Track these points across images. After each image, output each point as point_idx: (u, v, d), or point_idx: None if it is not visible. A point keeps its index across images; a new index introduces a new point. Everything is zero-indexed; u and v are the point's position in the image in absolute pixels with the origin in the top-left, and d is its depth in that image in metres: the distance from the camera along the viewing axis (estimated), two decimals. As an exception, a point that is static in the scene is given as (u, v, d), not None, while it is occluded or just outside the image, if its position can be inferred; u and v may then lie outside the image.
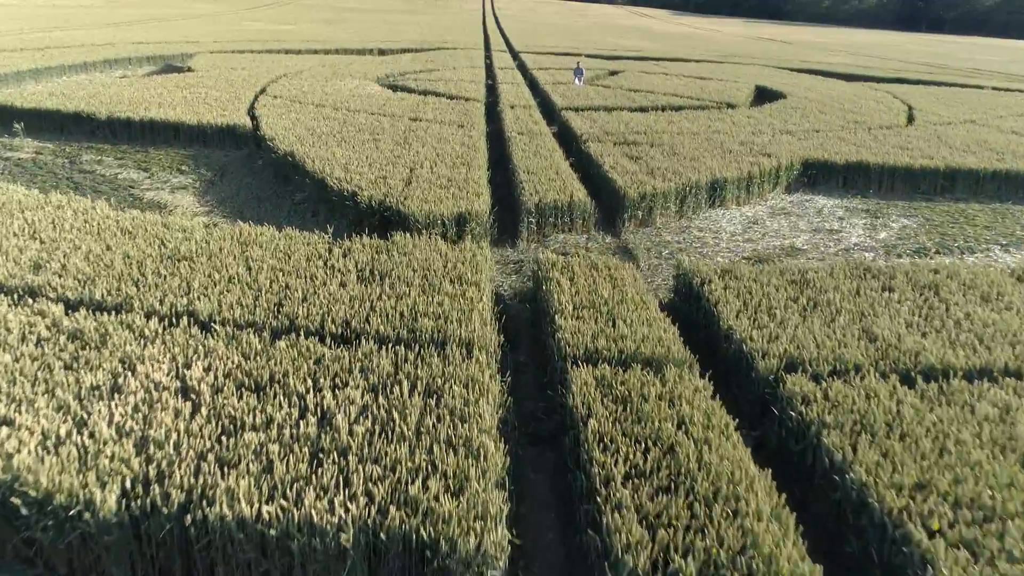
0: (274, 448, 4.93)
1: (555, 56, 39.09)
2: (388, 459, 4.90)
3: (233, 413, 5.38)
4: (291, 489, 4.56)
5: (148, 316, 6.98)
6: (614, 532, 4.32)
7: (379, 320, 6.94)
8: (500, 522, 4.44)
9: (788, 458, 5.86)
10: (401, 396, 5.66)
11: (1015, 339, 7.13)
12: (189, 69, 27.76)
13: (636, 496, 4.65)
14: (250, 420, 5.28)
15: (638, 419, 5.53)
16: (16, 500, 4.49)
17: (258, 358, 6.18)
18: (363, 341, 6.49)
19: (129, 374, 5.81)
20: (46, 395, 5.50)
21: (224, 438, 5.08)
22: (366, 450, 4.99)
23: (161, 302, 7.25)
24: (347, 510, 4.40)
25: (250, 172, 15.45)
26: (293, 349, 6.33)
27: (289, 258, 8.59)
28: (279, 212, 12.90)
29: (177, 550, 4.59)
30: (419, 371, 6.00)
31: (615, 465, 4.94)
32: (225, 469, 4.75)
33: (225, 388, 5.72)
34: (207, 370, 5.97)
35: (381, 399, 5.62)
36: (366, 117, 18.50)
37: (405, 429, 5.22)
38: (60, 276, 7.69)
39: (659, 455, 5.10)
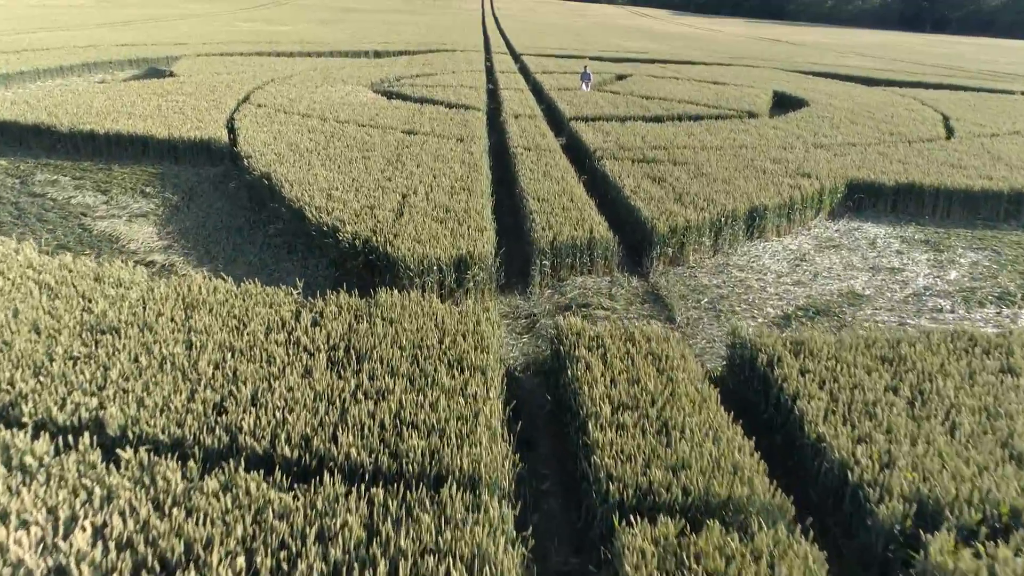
0: None
1: (558, 59, 37.17)
2: None
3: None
4: None
5: (38, 430, 5.10)
6: None
7: (351, 437, 5.05)
8: None
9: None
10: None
11: None
12: (171, 74, 25.85)
13: None
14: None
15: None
16: None
17: (175, 511, 4.30)
18: (326, 478, 4.60)
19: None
20: None
21: None
22: None
23: (62, 405, 5.37)
24: None
25: (223, 195, 13.54)
26: (226, 495, 4.44)
27: (244, 328, 6.70)
28: (250, 247, 11.00)
29: None
30: (403, 539, 4.11)
31: None
32: None
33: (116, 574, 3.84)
34: (95, 537, 4.09)
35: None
36: (356, 130, 16.59)
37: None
38: (-67, 364, 5.81)
39: None
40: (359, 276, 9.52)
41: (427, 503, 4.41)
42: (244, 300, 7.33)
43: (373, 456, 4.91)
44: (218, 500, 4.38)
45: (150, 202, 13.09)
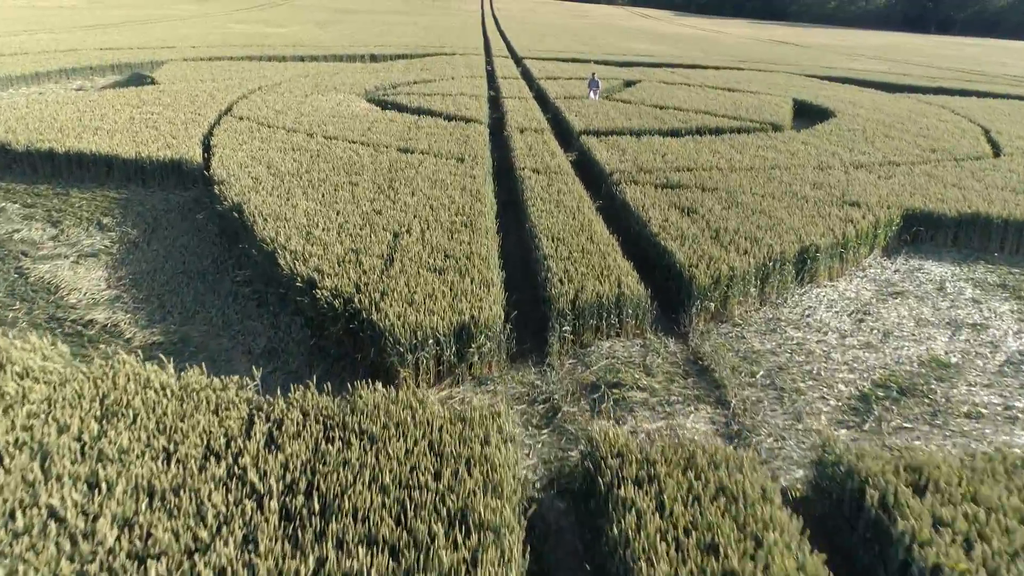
0: None
1: (562, 63, 35.40)
2: None
3: None
4: None
5: None
6: None
7: None
8: None
9: None
10: None
11: None
12: (152, 81, 24.04)
13: None
14: None
15: None
16: None
17: None
18: None
19: None
20: None
21: None
22: None
23: None
24: None
25: (191, 227, 11.76)
26: None
27: (175, 452, 4.94)
28: (213, 297, 9.23)
29: None
30: None
31: None
32: None
33: None
34: None
35: None
36: (345, 148, 14.81)
37: None
38: None
39: None
40: (339, 343, 7.77)
41: None
42: (183, 401, 5.57)
43: None
44: None
45: (106, 236, 11.31)
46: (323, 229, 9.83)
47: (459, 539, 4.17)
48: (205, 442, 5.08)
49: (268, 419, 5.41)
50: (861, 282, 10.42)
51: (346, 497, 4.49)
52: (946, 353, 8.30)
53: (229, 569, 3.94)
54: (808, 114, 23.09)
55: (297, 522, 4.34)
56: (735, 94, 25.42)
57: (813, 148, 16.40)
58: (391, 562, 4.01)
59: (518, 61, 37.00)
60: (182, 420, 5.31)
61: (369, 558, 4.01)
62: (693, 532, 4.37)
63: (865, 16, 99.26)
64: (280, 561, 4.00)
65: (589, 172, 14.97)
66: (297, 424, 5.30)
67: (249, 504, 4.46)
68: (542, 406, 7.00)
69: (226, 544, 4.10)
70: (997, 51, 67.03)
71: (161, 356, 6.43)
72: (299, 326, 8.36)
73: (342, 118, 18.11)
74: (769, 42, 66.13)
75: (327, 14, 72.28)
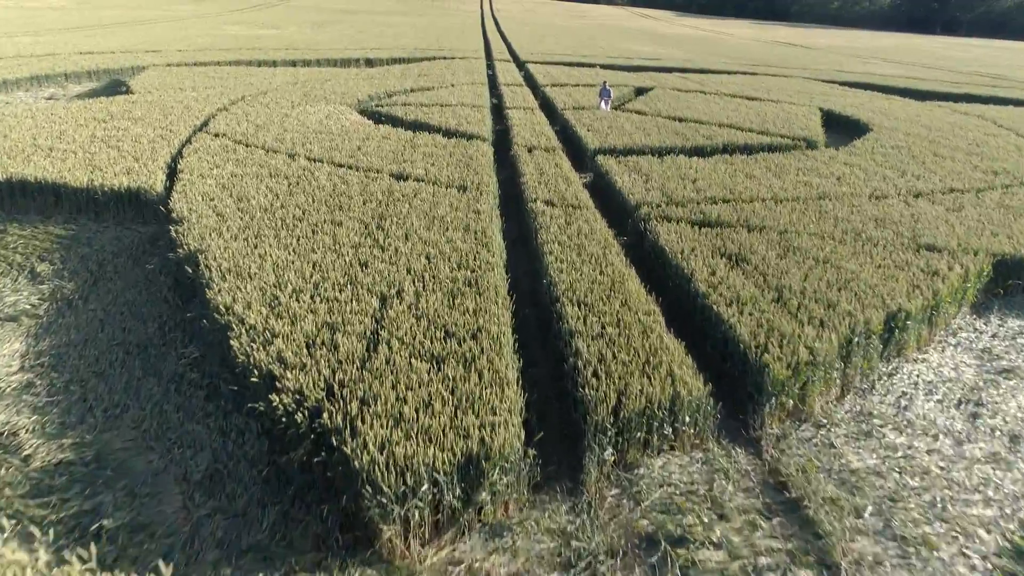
0: None
1: (567, 67, 33.35)
2: None
3: None
4: None
5: None
6: None
7: None
8: None
9: None
10: None
11: None
12: (128, 90, 21.96)
13: None
14: None
15: None
16: None
17: None
18: None
19: None
20: None
21: None
22: None
23: None
24: None
25: (140, 278, 9.73)
26: None
27: None
28: (153, 383, 7.20)
29: None
30: None
31: None
32: None
33: None
34: None
35: None
36: (330, 173, 12.77)
37: None
38: None
39: None
40: (305, 467, 5.73)
41: None
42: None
43: None
44: None
45: (36, 291, 9.27)
46: (294, 291, 7.81)
47: None
48: None
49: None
50: (956, 353, 8.40)
51: None
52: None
53: None
54: (838, 126, 21.08)
55: None
56: (756, 103, 23.37)
57: (859, 171, 14.38)
58: None
59: (520, 65, 34.95)
60: None
61: None
62: None
63: (869, 17, 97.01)
64: None
65: (609, 201, 12.96)
66: None
67: None
68: (584, 571, 4.97)
69: None
70: (1008, 53, 65.01)
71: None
72: (255, 434, 6.33)
73: (330, 135, 16.06)
74: (774, 44, 64.09)
75: (324, 15, 70.12)
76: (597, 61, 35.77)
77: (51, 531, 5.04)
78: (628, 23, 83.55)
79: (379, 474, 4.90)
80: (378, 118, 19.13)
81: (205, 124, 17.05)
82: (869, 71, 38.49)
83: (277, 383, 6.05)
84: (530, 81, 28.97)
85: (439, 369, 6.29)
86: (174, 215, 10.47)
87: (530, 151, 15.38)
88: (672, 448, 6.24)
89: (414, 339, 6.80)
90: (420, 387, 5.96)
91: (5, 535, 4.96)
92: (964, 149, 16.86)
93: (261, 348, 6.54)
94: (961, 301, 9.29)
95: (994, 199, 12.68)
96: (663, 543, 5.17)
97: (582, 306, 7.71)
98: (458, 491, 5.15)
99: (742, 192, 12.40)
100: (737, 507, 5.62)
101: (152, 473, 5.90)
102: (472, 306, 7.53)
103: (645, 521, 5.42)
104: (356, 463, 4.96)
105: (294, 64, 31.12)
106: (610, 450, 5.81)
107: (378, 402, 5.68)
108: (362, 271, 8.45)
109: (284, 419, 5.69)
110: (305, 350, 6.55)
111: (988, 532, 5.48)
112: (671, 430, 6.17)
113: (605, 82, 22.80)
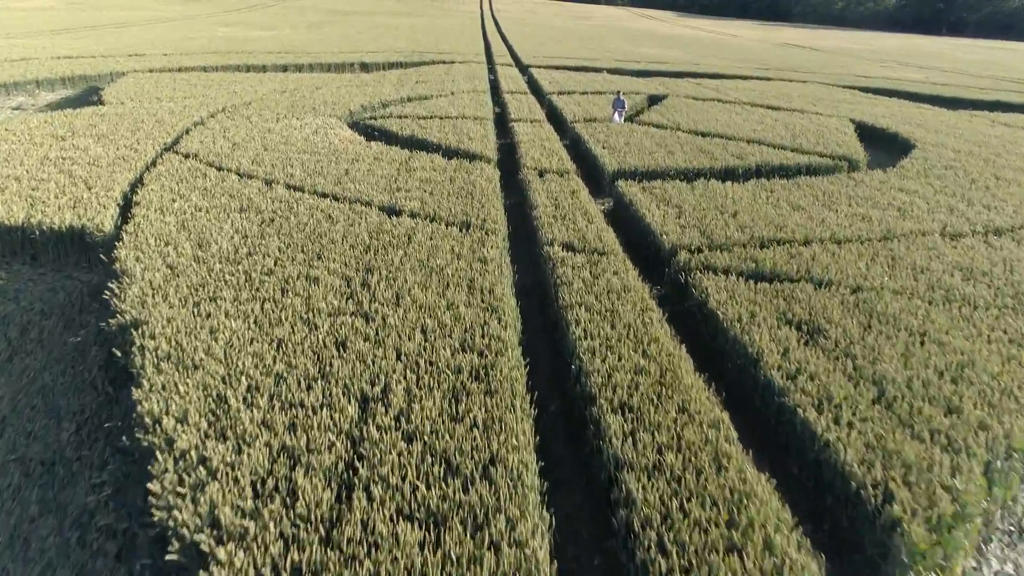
0: None
1: (572, 72, 31.39)
2: None
3: None
4: None
5: None
6: None
7: None
8: None
9: None
10: None
11: None
12: (99, 100, 20.00)
13: None
14: None
15: None
16: None
17: None
18: None
19: None
20: None
21: None
22: None
23: None
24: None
25: (67, 353, 7.79)
26: None
27: None
28: (51, 521, 5.28)
29: None
30: None
31: None
32: None
33: None
34: None
35: None
36: (312, 206, 10.85)
37: None
38: None
39: None
40: None
41: None
42: None
43: None
44: None
45: (-67, 370, 7.33)
46: (248, 389, 5.88)
47: None
48: None
49: None
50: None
51: None
52: None
53: None
54: (873, 139, 19.14)
55: None
56: (781, 113, 21.43)
57: (920, 200, 12.47)
58: None
59: (523, 69, 33.00)
60: None
61: None
62: None
63: (874, 17, 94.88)
64: None
65: (636, 239, 11.02)
66: None
67: None
68: None
69: None
70: (1016, 55, 63.07)
71: None
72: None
73: (315, 155, 14.12)
74: (781, 45, 62.15)
75: (320, 15, 68.07)
76: (603, 65, 33.82)
77: None
78: (631, 24, 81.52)
79: None
80: (371, 133, 17.20)
81: (176, 141, 15.12)
82: (887, 75, 36.56)
83: (204, 571, 4.13)
84: (535, 88, 27.04)
85: (436, 541, 4.36)
86: (117, 266, 8.55)
87: (541, 175, 13.45)
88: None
89: (403, 479, 4.87)
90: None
91: None
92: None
93: (189, 501, 4.61)
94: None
95: (1087, 238, 10.76)
96: None
97: (626, 412, 5.78)
98: None
99: (793, 230, 10.48)
100: None
101: None
102: (481, 416, 5.60)
103: None
104: None
105: (285, 69, 29.17)
106: None
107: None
108: (339, 354, 6.53)
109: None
110: (251, 502, 4.63)
111: None
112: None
113: (619, 92, 20.86)
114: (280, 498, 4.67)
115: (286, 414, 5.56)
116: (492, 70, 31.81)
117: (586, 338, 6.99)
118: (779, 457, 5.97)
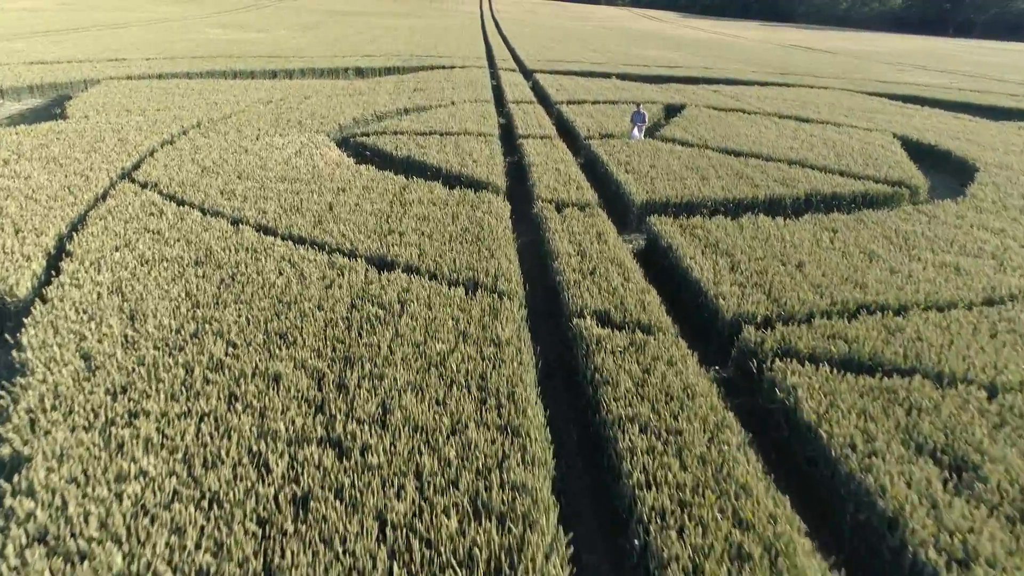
0: None
1: (580, 77, 29.28)
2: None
3: None
4: None
5: None
6: None
7: None
8: None
9: None
10: None
11: None
12: (61, 113, 17.85)
13: None
14: None
15: None
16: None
17: None
18: None
19: None
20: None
21: None
22: None
23: None
24: None
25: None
26: None
27: None
28: None
29: None
30: None
31: None
32: None
33: None
34: None
35: None
36: (282, 256, 8.73)
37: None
38: None
39: None
40: None
41: None
42: None
43: None
44: None
45: None
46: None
47: None
48: None
49: None
50: None
51: None
52: None
53: None
54: (920, 157, 17.03)
55: None
56: (814, 127, 19.31)
57: (1011, 240, 10.37)
58: None
59: (527, 74, 30.88)
60: None
61: None
62: None
63: (879, 18, 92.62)
64: None
65: (681, 295, 8.91)
66: None
67: None
68: None
69: None
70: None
71: None
72: None
73: (295, 183, 12.00)
74: (788, 47, 60.00)
75: (317, 16, 65.85)
76: (611, 70, 31.69)
77: None
78: (633, 25, 79.31)
79: None
80: (362, 153, 15.08)
81: (138, 165, 13.02)
82: (908, 80, 34.47)
83: None
84: (541, 96, 24.92)
85: None
86: (16, 356, 6.44)
87: (559, 209, 11.34)
88: None
89: None
90: None
91: None
92: (1117, 201, 12.86)
93: None
94: None
95: None
96: None
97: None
98: None
99: (877, 289, 8.38)
100: None
101: None
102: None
103: None
104: None
105: (274, 75, 27.03)
106: None
107: None
108: (295, 528, 4.41)
109: None
110: None
111: None
112: None
113: (639, 105, 18.70)
114: None
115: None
116: (494, 75, 29.69)
117: (649, 487, 4.89)
118: None
